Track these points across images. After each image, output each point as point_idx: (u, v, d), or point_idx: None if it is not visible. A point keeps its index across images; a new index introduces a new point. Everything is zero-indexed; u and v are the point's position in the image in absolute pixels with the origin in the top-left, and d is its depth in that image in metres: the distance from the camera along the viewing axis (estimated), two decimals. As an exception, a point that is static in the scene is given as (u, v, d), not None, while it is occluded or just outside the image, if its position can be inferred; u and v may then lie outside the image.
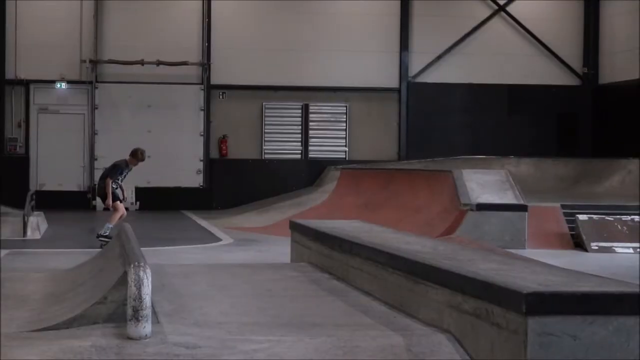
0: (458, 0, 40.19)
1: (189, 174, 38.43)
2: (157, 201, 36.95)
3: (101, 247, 19.04)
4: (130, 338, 8.40)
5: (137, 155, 23.52)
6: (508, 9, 40.28)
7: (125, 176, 23.40)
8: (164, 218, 31.91)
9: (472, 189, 24.38)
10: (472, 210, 23.53)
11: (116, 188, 22.55)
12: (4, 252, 20.31)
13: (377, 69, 39.63)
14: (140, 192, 37.30)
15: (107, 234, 21.04)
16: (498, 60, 39.97)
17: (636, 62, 37.24)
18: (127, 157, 23.86)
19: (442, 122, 39.62)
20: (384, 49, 39.83)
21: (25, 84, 37.95)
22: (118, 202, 22.30)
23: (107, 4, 38.43)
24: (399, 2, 39.90)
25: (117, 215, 21.92)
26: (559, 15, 40.77)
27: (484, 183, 24.98)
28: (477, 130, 39.31)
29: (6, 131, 37.72)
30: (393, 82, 39.89)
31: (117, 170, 22.88)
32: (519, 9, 40.38)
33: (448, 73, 40.04)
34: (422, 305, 9.47)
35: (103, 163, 36.98)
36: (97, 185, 22.92)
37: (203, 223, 30.40)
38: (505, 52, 40.12)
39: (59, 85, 38.03)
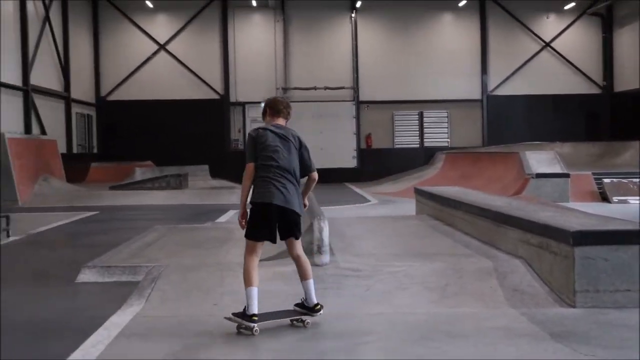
0: (519, 39, 39.66)
1: (347, 158, 38.58)
2: (327, 177, 36.93)
3: None
4: (316, 265, 8.55)
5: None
6: (552, 44, 39.64)
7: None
8: (332, 188, 31.97)
9: (532, 164, 23.98)
10: (533, 178, 23.16)
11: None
12: (234, 211, 20.23)
13: (466, 87, 39.34)
14: (317, 172, 37.50)
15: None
16: (546, 78, 39.29)
17: (637, 75, 36.38)
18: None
19: (510, 120, 39.21)
20: (470, 72, 39.48)
21: (242, 104, 38.53)
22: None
23: (292, 51, 38.79)
24: (479, 42, 39.53)
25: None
26: (585, 47, 39.91)
27: (540, 160, 24.53)
28: (533, 124, 38.74)
29: (231, 134, 38.40)
30: (477, 95, 39.52)
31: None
32: (560, 44, 39.73)
33: (513, 88, 39.55)
34: (503, 241, 9.41)
35: (292, 154, 37.26)
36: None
37: (357, 190, 30.41)
38: (550, 72, 39.44)
39: (263, 105, 38.35)
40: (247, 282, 6.84)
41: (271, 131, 7.19)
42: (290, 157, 7.10)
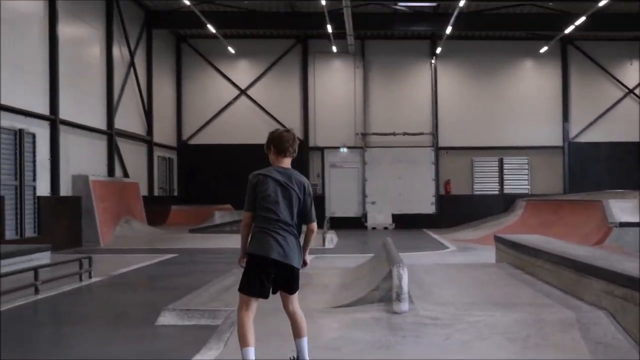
0: (601, 86, 39.18)
1: (425, 204, 38.38)
2: (406, 222, 37.03)
3: None
4: (395, 312, 8.49)
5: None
6: (636, 91, 39.05)
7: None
8: (411, 234, 31.82)
9: (615, 213, 23.50)
10: (616, 226, 22.71)
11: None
12: (312, 256, 20.34)
13: (547, 133, 39.01)
14: (395, 217, 37.56)
15: None
16: (629, 125, 38.67)
17: None
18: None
19: (591, 168, 38.71)
20: (551, 119, 39.15)
21: (321, 149, 38.70)
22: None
23: (372, 97, 38.93)
24: (561, 88, 39.16)
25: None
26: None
27: (623, 208, 24.03)
28: (616, 172, 38.15)
29: (310, 179, 38.47)
30: (558, 142, 39.08)
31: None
32: (644, 91, 39.21)
33: (595, 135, 39.04)
34: (586, 292, 9.22)
35: (371, 199, 37.45)
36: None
37: (436, 237, 30.13)
38: (634, 119, 38.78)
39: (342, 150, 38.63)
40: (243, 342, 6.25)
41: (272, 178, 6.46)
42: (291, 209, 6.43)
